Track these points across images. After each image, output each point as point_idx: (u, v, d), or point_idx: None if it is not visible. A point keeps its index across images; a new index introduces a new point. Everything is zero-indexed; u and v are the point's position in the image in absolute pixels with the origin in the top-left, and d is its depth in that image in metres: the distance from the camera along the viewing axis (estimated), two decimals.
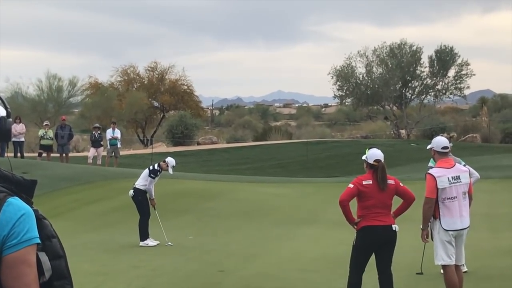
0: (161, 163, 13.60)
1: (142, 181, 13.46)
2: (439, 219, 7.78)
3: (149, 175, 13.37)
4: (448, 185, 7.78)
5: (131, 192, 13.47)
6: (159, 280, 9.97)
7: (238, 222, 15.50)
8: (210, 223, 15.47)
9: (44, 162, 24.46)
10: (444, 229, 7.75)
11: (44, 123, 28.54)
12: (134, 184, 13.64)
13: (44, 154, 26.65)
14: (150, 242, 12.99)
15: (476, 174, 10.38)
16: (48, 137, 26.69)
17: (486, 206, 15.72)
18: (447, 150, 8.09)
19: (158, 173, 13.50)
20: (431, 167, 9.81)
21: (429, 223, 7.98)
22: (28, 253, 2.10)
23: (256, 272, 10.35)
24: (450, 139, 10.74)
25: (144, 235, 13.06)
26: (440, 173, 7.82)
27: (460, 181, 7.87)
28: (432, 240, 7.98)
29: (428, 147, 8.37)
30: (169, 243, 13.08)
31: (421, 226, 8.03)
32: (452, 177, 7.82)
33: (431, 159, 10.10)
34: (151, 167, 13.54)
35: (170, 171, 13.66)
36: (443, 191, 7.77)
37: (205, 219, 15.91)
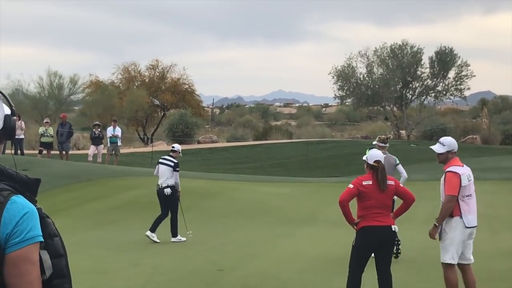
0: (172, 154, 13.91)
1: (170, 178, 13.66)
2: (461, 217, 7.72)
3: (174, 170, 13.65)
4: (468, 182, 7.82)
5: (168, 190, 13.56)
6: (159, 278, 9.99)
7: (237, 221, 15.50)
8: (209, 222, 15.48)
9: (44, 160, 24.47)
10: (466, 227, 7.75)
11: (45, 121, 28.56)
12: (159, 184, 13.69)
13: (44, 152, 26.67)
14: (182, 238, 13.48)
15: (404, 174, 11.36)
16: (48, 134, 26.70)
17: (486, 207, 15.70)
18: (456, 150, 8.12)
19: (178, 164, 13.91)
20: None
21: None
22: (31, 251, 2.11)
23: (255, 272, 10.36)
24: (387, 140, 11.26)
25: (176, 231, 13.49)
26: (461, 171, 7.82)
27: (471, 180, 7.93)
28: (440, 239, 7.90)
29: (445, 150, 8.04)
30: (189, 232, 13.65)
31: (435, 222, 7.83)
32: (467, 175, 7.88)
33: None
34: (171, 164, 13.70)
35: (180, 154, 14.17)
36: (464, 189, 7.78)
37: (204, 218, 15.91)
